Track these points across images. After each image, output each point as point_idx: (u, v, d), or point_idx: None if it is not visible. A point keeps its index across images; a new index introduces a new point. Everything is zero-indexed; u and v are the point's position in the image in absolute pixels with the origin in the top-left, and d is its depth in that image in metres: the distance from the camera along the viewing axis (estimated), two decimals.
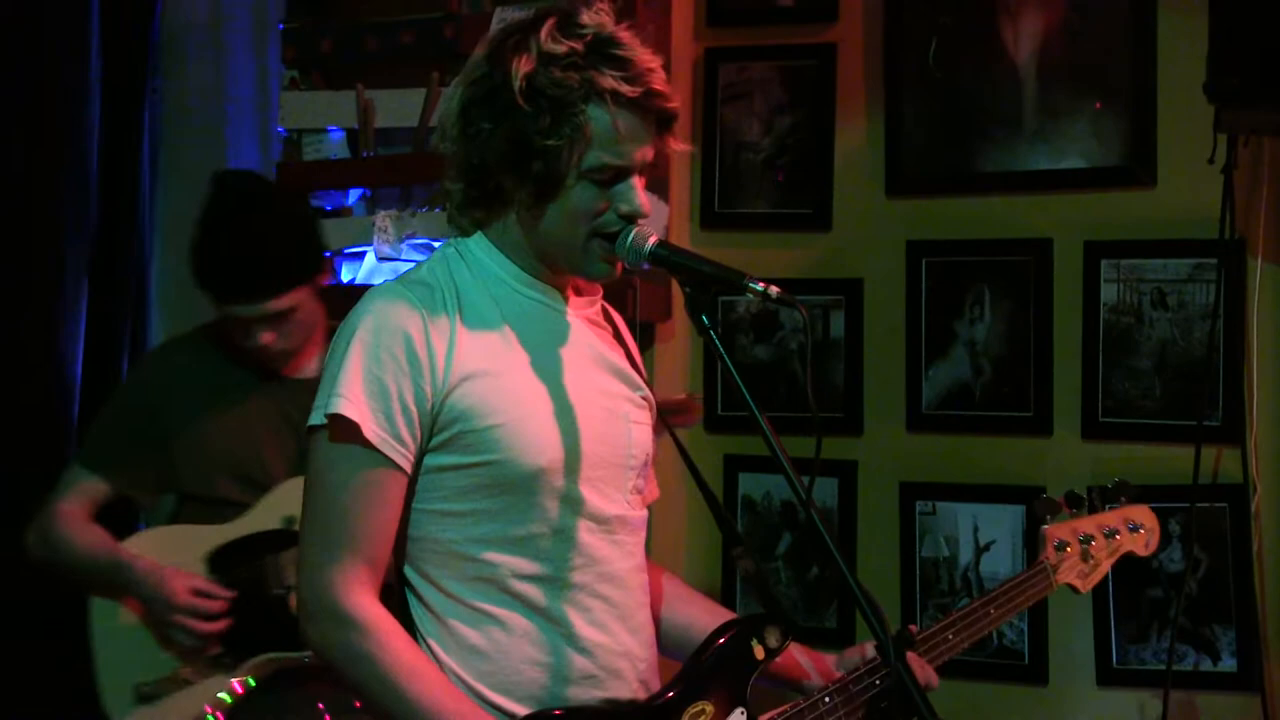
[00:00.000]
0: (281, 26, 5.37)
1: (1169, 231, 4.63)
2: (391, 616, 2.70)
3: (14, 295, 5.47)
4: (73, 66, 5.62)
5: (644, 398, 2.96)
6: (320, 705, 3.91)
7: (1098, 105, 4.70)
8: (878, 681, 2.97)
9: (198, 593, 3.91)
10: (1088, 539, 3.39)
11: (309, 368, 4.03)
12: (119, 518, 4.20)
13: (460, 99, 2.76)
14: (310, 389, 3.82)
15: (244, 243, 3.89)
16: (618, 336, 2.99)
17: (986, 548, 4.58)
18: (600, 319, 2.95)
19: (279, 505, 3.96)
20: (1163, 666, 4.50)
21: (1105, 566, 3.43)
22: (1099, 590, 4.62)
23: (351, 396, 2.66)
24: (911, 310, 4.90)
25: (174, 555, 3.99)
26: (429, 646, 2.74)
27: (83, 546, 4.01)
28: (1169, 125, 4.63)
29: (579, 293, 2.91)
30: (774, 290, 2.65)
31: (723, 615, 3.06)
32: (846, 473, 4.94)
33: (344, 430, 2.67)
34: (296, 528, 3.72)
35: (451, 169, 2.81)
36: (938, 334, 4.87)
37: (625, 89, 2.69)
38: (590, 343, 2.89)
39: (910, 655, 2.99)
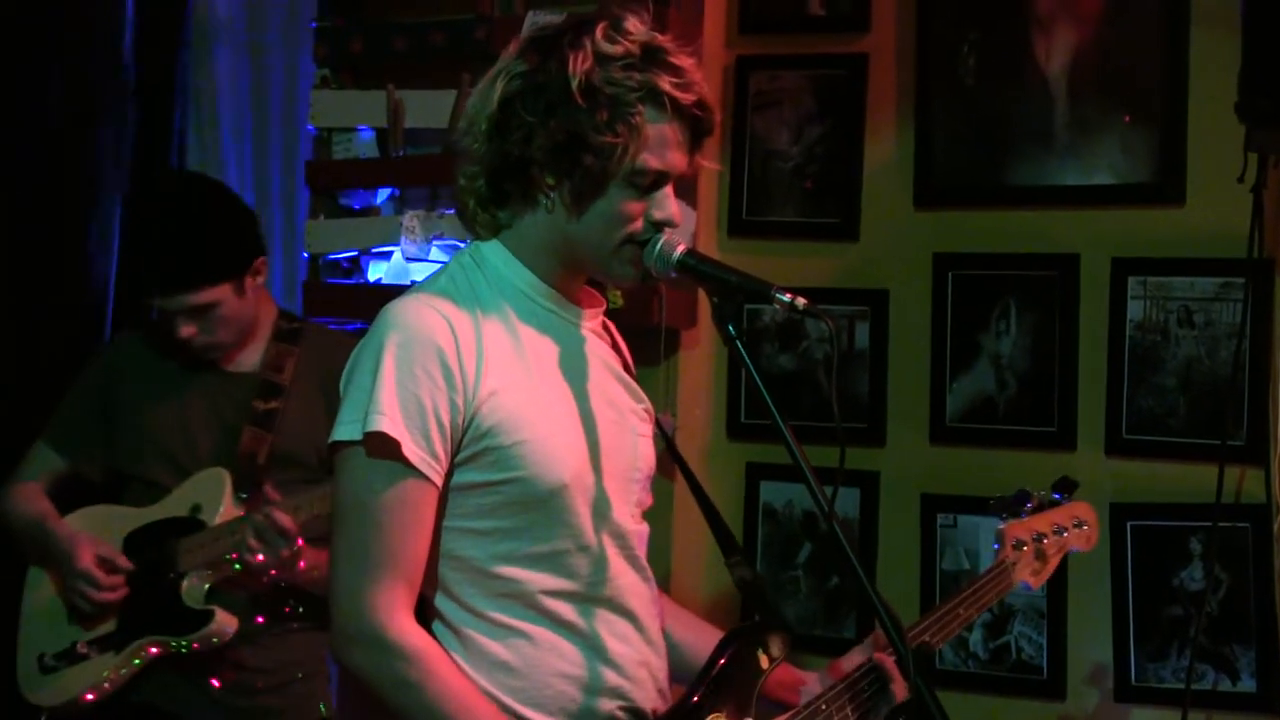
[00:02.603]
0: (314, 25, 5.38)
1: (1197, 250, 4.62)
2: (435, 641, 2.68)
3: (46, 294, 5.49)
4: (105, 64, 5.63)
5: (646, 410, 2.95)
6: (202, 689, 4.07)
7: (1126, 119, 4.69)
8: (865, 687, 3.02)
9: (100, 560, 4.05)
10: (1040, 537, 3.49)
11: (246, 361, 4.16)
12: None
13: (501, 93, 2.73)
14: (244, 382, 4.08)
15: (163, 238, 4.00)
16: (615, 347, 2.99)
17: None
18: (601, 329, 2.95)
19: (191, 493, 4.06)
20: (1181, 685, 4.48)
21: (1054, 563, 3.55)
22: (1119, 607, 4.62)
23: (390, 413, 2.62)
24: (937, 322, 4.89)
25: (102, 532, 4.13)
26: (454, 663, 2.71)
27: (24, 515, 4.21)
28: (1199, 143, 4.62)
29: (588, 303, 2.90)
30: (801, 301, 2.65)
31: (714, 631, 3.06)
32: (868, 484, 4.93)
33: (382, 448, 2.63)
34: (201, 516, 3.94)
35: (476, 164, 2.78)
36: (963, 347, 4.86)
37: (681, 95, 2.71)
38: (600, 355, 2.89)
39: (892, 663, 3.05)
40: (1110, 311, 4.70)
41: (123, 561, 4.05)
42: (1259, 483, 4.51)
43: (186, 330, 4.00)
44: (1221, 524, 4.46)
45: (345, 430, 2.67)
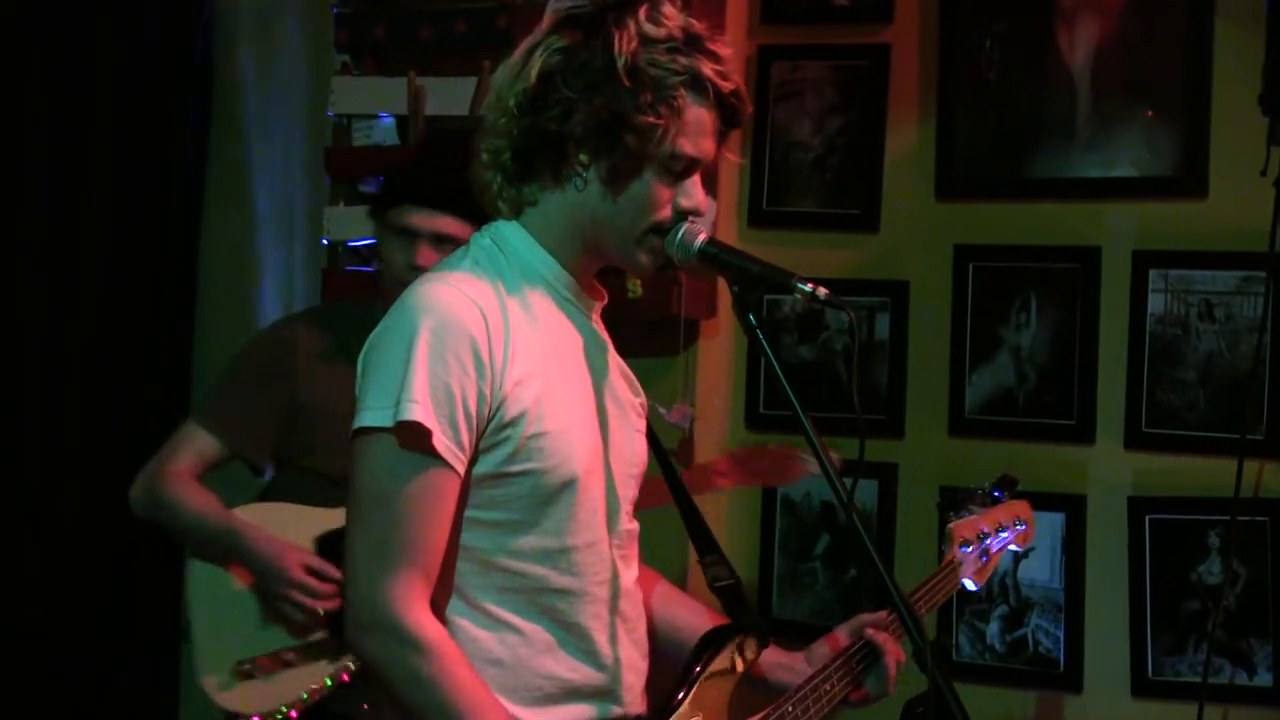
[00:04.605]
0: (336, 11, 5.38)
1: (1218, 243, 4.61)
2: (450, 638, 2.64)
3: (54, 283, 5.49)
4: (126, 47, 5.64)
5: (642, 403, 2.94)
6: None
7: (1149, 113, 4.68)
8: (857, 662, 3.06)
9: (310, 570, 3.92)
10: (984, 536, 3.49)
11: None
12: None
13: (540, 67, 2.69)
14: None
15: (457, 160, 3.84)
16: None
17: (1025, 555, 4.55)
18: (599, 317, 2.93)
19: None
20: (1198, 679, 4.48)
21: (994, 561, 3.54)
22: (1136, 600, 4.62)
23: (422, 401, 2.57)
24: (957, 314, 4.89)
25: (285, 531, 3.98)
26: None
27: (193, 508, 4.01)
28: (1222, 136, 4.61)
29: (596, 295, 2.86)
30: (822, 292, 2.63)
31: (707, 617, 3.05)
32: (887, 475, 4.93)
33: (413, 437, 2.59)
34: None
35: (504, 139, 2.74)
36: (983, 339, 4.86)
37: (722, 82, 2.69)
38: (608, 349, 2.88)
39: (885, 636, 3.07)
40: (1131, 305, 4.69)
41: (333, 571, 3.88)
42: (1278, 477, 4.50)
43: (427, 258, 3.81)
44: (1240, 518, 4.45)
45: (374, 416, 2.63)
